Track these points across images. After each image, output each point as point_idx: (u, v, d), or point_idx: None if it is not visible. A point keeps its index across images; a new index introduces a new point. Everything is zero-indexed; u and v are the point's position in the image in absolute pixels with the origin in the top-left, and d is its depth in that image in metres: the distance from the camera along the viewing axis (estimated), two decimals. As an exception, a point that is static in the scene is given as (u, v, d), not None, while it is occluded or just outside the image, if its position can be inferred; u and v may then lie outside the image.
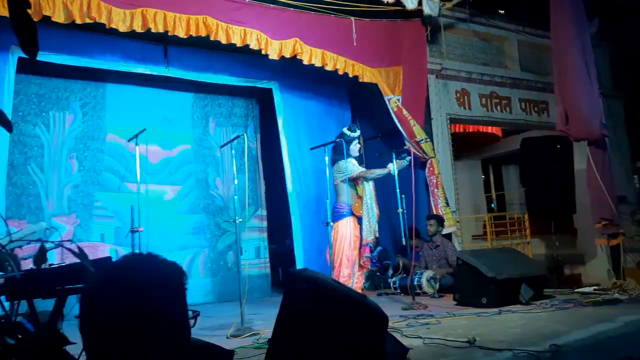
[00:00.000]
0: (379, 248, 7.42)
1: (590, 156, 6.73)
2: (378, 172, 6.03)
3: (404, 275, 6.68)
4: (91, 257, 2.11)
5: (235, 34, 6.00)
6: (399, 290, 6.63)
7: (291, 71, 7.10)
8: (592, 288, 6.04)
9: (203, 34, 5.83)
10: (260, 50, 6.23)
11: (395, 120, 7.05)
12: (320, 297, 1.73)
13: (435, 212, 7.01)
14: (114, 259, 1.50)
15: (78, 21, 5.19)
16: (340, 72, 6.75)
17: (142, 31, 5.54)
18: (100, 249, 6.41)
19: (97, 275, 1.14)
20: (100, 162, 6.66)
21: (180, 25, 5.68)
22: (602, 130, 6.71)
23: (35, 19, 4.53)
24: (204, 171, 7.41)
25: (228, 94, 7.65)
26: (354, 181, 6.01)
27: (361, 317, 1.75)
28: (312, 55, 6.50)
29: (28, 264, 2.39)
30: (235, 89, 7.50)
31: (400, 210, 5.74)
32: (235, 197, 4.83)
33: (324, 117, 7.75)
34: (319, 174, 6.63)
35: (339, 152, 5.95)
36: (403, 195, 5.80)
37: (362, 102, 8.07)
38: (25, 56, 1.90)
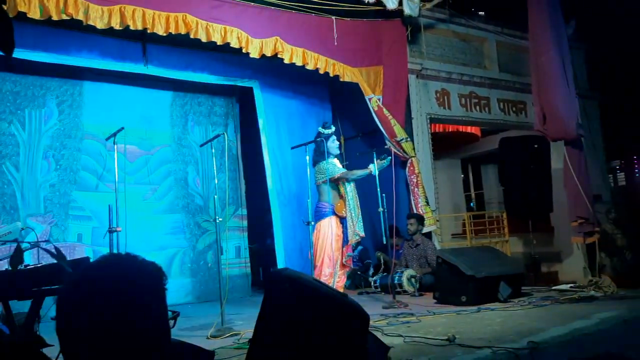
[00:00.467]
0: (360, 247, 7.44)
1: (567, 156, 6.84)
2: (359, 172, 6.04)
3: (385, 273, 6.71)
4: (68, 257, 2.08)
5: (216, 32, 5.96)
6: (379, 289, 6.66)
7: (272, 70, 7.08)
8: (568, 285, 6.14)
9: (183, 31, 5.77)
10: (240, 49, 6.19)
11: (376, 120, 7.07)
12: (301, 297, 1.73)
13: (415, 211, 7.06)
14: (91, 260, 1.48)
15: (55, 18, 5.09)
16: (321, 72, 6.75)
17: (120, 28, 5.46)
18: (78, 250, 6.32)
19: (74, 276, 1.12)
20: (78, 161, 6.56)
21: (160, 23, 5.62)
22: (578, 130, 6.83)
23: (10, 15, 4.44)
24: (183, 170, 7.35)
25: (208, 92, 7.60)
26: (335, 182, 6.02)
27: (342, 317, 1.75)
28: (293, 54, 6.48)
29: (3, 265, 2.34)
30: (216, 87, 7.46)
31: (381, 209, 5.76)
32: (216, 196, 4.80)
33: (305, 116, 7.75)
34: (299, 173, 6.63)
35: (319, 153, 5.96)
36: (384, 195, 5.83)
37: (343, 101, 8.08)
38: (1, 53, 1.86)
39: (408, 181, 7.20)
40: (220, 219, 4.69)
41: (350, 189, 6.03)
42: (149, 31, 5.64)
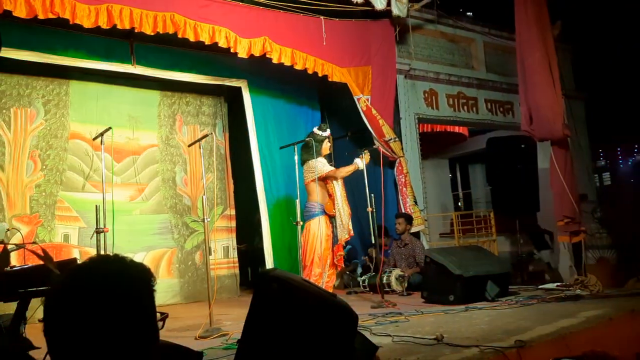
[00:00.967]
0: (348, 247, 7.46)
1: (554, 156, 6.89)
2: (347, 169, 6.06)
3: (373, 273, 6.73)
4: (55, 258, 2.06)
5: (204, 32, 5.93)
6: (368, 289, 6.68)
7: (260, 70, 7.06)
8: (555, 284, 6.20)
9: (170, 31, 5.73)
10: (229, 49, 6.17)
11: (365, 120, 7.09)
12: (290, 297, 1.73)
13: (403, 211, 7.08)
14: (79, 261, 1.47)
15: (41, 16, 5.03)
16: (310, 71, 6.75)
17: (107, 27, 5.41)
18: (64, 250, 6.25)
19: (62, 277, 1.11)
20: (64, 161, 6.50)
21: (147, 22, 5.58)
22: (564, 130, 6.88)
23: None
24: (171, 170, 7.30)
25: (196, 92, 7.56)
26: (324, 180, 6.02)
27: (331, 316, 1.75)
28: (281, 54, 6.47)
29: (-12, 267, 2.32)
30: (204, 87, 7.42)
31: (369, 209, 5.78)
32: (204, 196, 4.78)
33: (293, 116, 7.74)
34: (288, 173, 6.63)
35: (308, 152, 5.96)
36: (372, 194, 5.84)
37: (332, 101, 8.09)
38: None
39: (396, 181, 7.23)
40: (208, 219, 4.68)
41: (338, 188, 6.04)
42: (136, 30, 5.60)
